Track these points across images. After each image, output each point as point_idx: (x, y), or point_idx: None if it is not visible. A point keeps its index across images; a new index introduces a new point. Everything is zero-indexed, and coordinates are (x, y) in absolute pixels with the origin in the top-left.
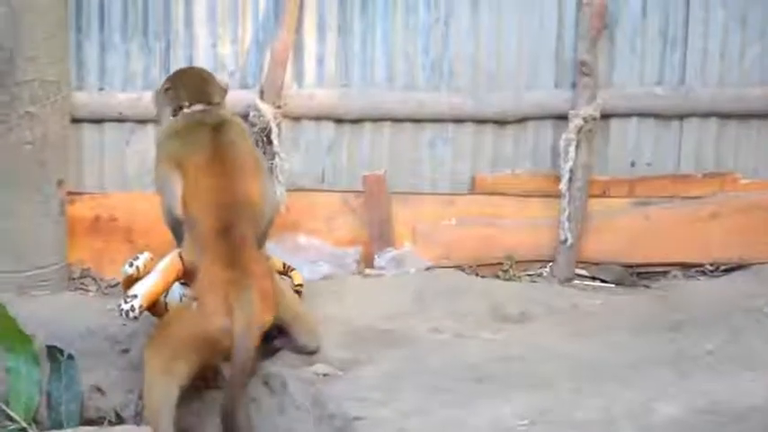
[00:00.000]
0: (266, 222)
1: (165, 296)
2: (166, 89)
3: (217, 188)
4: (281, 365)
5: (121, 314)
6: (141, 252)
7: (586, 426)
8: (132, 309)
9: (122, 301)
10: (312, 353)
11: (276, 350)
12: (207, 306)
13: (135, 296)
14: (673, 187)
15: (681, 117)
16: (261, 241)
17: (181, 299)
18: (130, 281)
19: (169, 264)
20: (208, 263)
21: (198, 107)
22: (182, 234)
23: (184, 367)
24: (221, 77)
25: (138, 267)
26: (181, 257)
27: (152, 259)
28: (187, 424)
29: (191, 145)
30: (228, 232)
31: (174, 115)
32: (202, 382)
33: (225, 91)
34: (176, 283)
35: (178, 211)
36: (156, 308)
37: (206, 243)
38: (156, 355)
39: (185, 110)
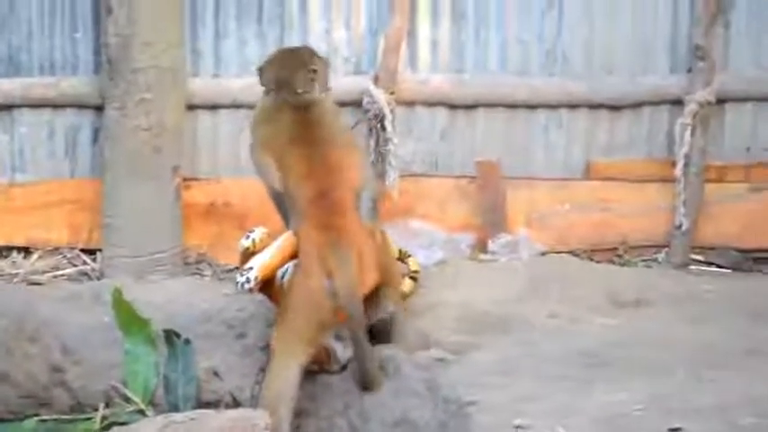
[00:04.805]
0: (368, 196)
1: (282, 277)
2: (259, 69)
3: (308, 156)
4: (397, 349)
5: (237, 286)
6: (257, 226)
7: (703, 412)
8: (248, 281)
9: (238, 275)
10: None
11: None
12: (307, 270)
13: (251, 268)
14: None
15: None
16: (369, 215)
17: None
18: (247, 255)
19: (285, 241)
20: (306, 229)
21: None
22: (288, 212)
23: (301, 343)
24: (325, 60)
25: (254, 240)
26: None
27: (268, 235)
28: (302, 408)
29: (278, 123)
30: (323, 197)
31: (266, 94)
32: (317, 365)
33: (318, 78)
34: (291, 263)
35: (277, 184)
36: (271, 288)
37: (303, 211)
38: (276, 338)
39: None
